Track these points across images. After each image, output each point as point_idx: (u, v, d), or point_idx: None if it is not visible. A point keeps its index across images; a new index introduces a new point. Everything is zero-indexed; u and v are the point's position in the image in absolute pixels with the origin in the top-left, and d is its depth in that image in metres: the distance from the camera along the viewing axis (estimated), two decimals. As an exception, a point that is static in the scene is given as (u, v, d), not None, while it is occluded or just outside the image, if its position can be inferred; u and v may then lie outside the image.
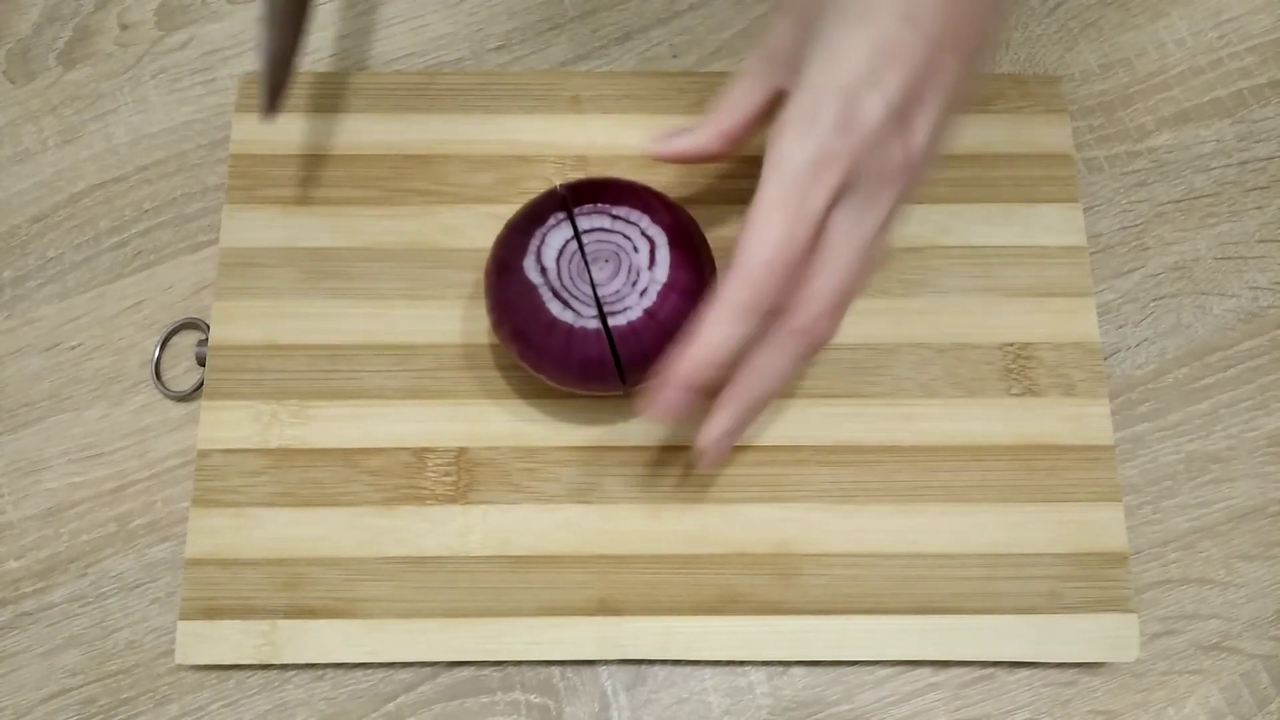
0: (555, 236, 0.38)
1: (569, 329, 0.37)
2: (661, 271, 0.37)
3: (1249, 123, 0.48)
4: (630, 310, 0.37)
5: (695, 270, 0.38)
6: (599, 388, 0.39)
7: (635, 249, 0.38)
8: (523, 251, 0.38)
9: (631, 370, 0.38)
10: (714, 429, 0.36)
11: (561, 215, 0.38)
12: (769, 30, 0.36)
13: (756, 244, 0.32)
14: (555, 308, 0.37)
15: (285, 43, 0.41)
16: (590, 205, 0.38)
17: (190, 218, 0.46)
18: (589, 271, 0.37)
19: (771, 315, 0.34)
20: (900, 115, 0.33)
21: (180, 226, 0.46)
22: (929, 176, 0.36)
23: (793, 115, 0.33)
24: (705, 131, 0.38)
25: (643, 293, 0.37)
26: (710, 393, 0.35)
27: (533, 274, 0.37)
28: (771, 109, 0.36)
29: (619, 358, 0.37)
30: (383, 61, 0.48)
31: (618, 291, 0.37)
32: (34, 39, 0.49)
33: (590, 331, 0.37)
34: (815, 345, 0.35)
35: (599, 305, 0.37)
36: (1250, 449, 0.44)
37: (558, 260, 0.38)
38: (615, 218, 0.38)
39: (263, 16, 0.38)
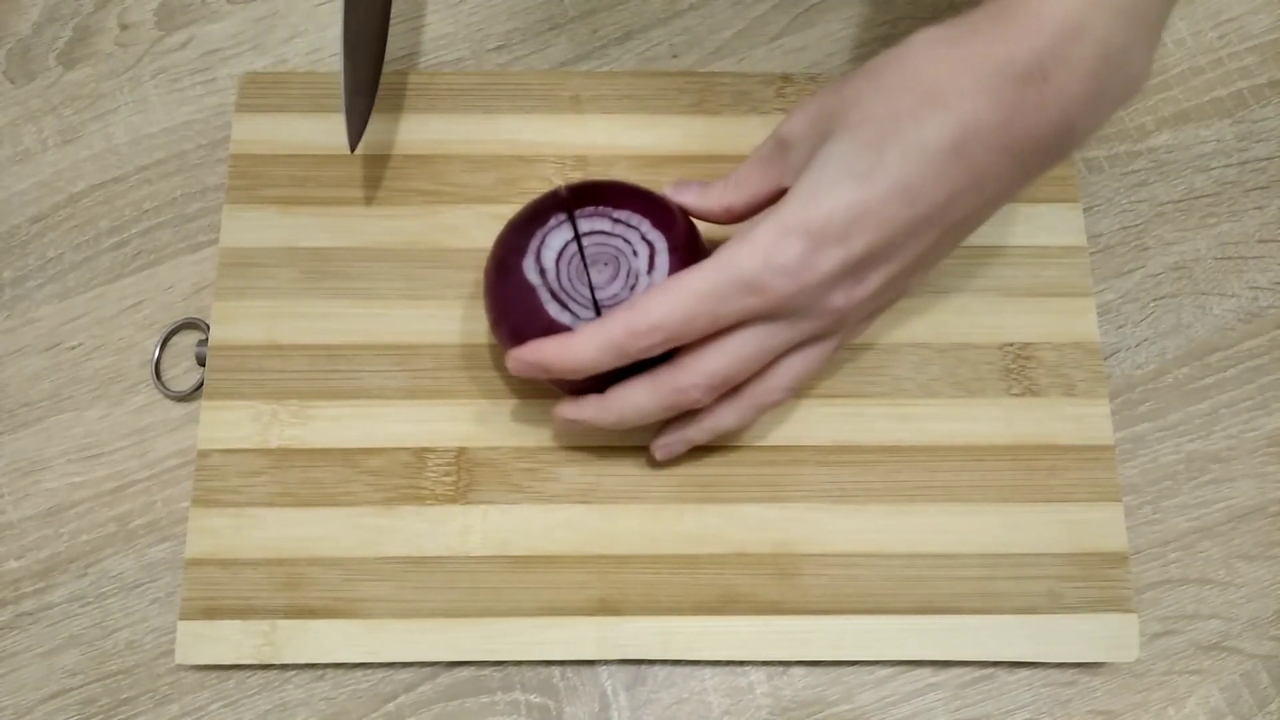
0: (555, 238, 0.38)
1: (566, 331, 0.37)
2: (660, 276, 0.37)
3: (1249, 123, 0.48)
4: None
5: None
6: (594, 391, 0.38)
7: (635, 253, 0.38)
8: (522, 251, 0.38)
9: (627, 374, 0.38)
10: (572, 412, 0.38)
11: (563, 216, 0.38)
12: (788, 122, 0.36)
13: (657, 306, 0.34)
14: (553, 309, 0.37)
15: (366, 72, 0.42)
16: (592, 207, 0.38)
17: (190, 218, 0.46)
18: (588, 274, 0.37)
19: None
20: (855, 270, 0.33)
21: (180, 226, 0.46)
22: (864, 326, 0.38)
23: (758, 234, 0.33)
24: (713, 200, 0.38)
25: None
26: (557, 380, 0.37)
27: (531, 274, 0.37)
28: (775, 198, 0.37)
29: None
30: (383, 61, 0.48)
31: (616, 295, 0.37)
32: (34, 39, 0.49)
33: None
34: (684, 402, 0.36)
35: (597, 308, 0.37)
36: (1250, 449, 0.44)
37: (557, 261, 0.37)
38: (616, 221, 0.38)
39: (342, 48, 0.39)
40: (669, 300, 0.34)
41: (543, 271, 0.37)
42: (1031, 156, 0.32)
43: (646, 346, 0.34)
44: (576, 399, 0.38)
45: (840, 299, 0.34)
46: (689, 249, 0.38)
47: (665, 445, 0.40)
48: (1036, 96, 0.31)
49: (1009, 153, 0.32)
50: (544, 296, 0.37)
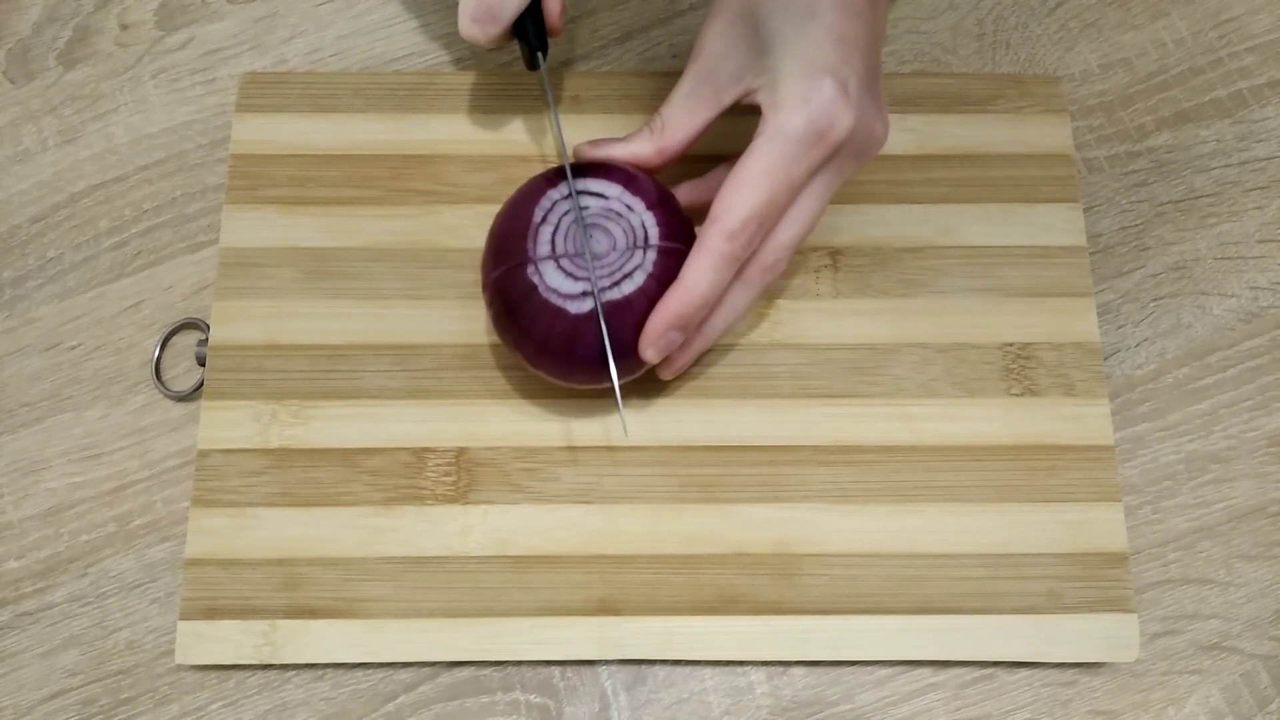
0: (546, 226, 0.38)
1: (551, 304, 0.37)
2: (654, 237, 0.38)
3: (1249, 123, 0.48)
4: (634, 277, 0.37)
5: (684, 238, 0.38)
6: (592, 370, 0.38)
7: (628, 222, 0.38)
8: (517, 243, 0.38)
9: (622, 346, 0.38)
10: (685, 356, 0.39)
11: (552, 200, 0.38)
12: (699, 54, 0.38)
13: (739, 202, 0.35)
14: (546, 283, 0.37)
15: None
16: (579, 182, 0.38)
17: (190, 218, 0.46)
18: (586, 251, 0.37)
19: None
20: (868, 88, 0.36)
21: (180, 226, 0.46)
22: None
23: (787, 94, 0.35)
24: (645, 145, 0.39)
25: (637, 267, 0.37)
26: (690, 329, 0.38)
27: (529, 267, 0.37)
28: (708, 127, 0.39)
29: (610, 339, 0.37)
30: (383, 61, 0.48)
31: (615, 267, 0.37)
32: (34, 39, 0.49)
33: (584, 314, 0.37)
34: (773, 279, 0.38)
35: (594, 288, 0.37)
36: (1250, 449, 0.44)
37: (551, 241, 0.37)
38: (597, 194, 0.38)
39: None
40: (747, 191, 0.35)
41: (540, 259, 0.37)
42: None
43: (747, 241, 0.36)
44: (667, 350, 0.38)
45: (880, 126, 0.37)
46: (671, 205, 0.39)
47: (678, 366, 0.40)
48: None
49: None
50: (543, 287, 0.37)
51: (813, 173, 0.36)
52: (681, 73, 0.39)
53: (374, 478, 0.42)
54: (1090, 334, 0.44)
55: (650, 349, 0.37)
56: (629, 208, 0.38)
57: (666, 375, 0.40)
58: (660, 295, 0.37)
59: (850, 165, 0.37)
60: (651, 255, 0.37)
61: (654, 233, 0.38)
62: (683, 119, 0.39)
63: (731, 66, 0.37)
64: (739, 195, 0.35)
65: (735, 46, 0.37)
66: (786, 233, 0.37)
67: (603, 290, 0.37)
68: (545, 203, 0.38)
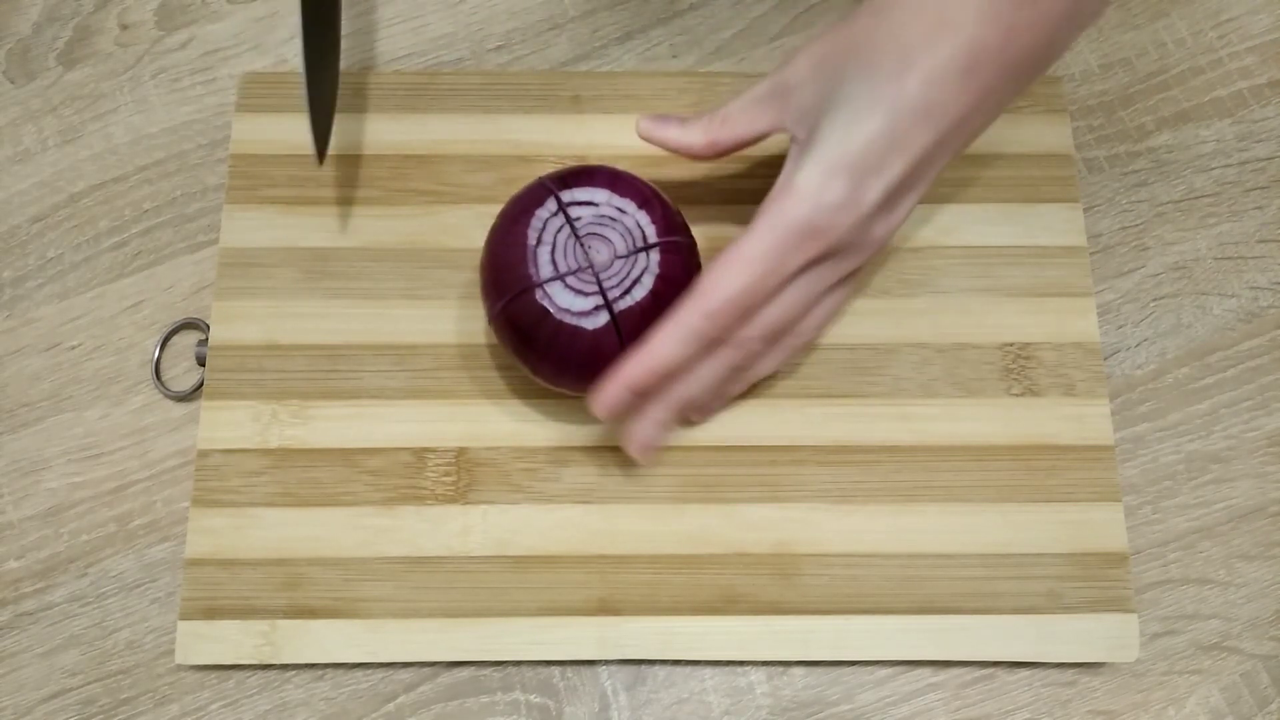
0: (543, 247, 0.37)
1: (566, 325, 0.37)
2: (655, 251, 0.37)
3: (1249, 123, 0.48)
4: (643, 281, 0.37)
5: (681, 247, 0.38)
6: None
7: (623, 225, 0.37)
8: (518, 270, 0.37)
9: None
10: (641, 425, 0.38)
11: (542, 219, 0.38)
12: (789, 66, 0.37)
13: (725, 282, 0.35)
14: (556, 305, 0.37)
15: (325, 89, 0.42)
16: (576, 191, 0.38)
17: (190, 218, 0.46)
18: (587, 258, 0.37)
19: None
20: (891, 198, 0.35)
21: (180, 226, 0.46)
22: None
23: (801, 181, 0.34)
24: (699, 134, 0.39)
25: (644, 271, 0.37)
26: (646, 395, 0.37)
27: (536, 291, 0.37)
28: (761, 138, 0.38)
29: (622, 341, 0.37)
30: (383, 61, 0.48)
31: (622, 274, 0.37)
32: (34, 39, 0.49)
33: (601, 328, 0.37)
34: (744, 366, 0.38)
35: (602, 292, 0.37)
36: (1250, 449, 0.44)
37: (553, 261, 0.37)
38: (586, 203, 0.38)
39: (303, 69, 0.40)
40: (734, 273, 0.35)
41: (538, 264, 0.37)
42: (1024, 73, 0.35)
43: (724, 324, 0.35)
44: (637, 423, 0.38)
45: (881, 229, 0.36)
46: (667, 210, 0.39)
47: (641, 439, 0.39)
48: (1029, 17, 0.33)
49: (1008, 70, 0.34)
50: (540, 293, 0.37)
51: (806, 266, 0.35)
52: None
53: (374, 478, 0.42)
54: (1090, 334, 0.44)
55: (600, 406, 0.36)
56: (620, 210, 0.38)
57: (635, 453, 0.39)
58: (669, 293, 0.37)
59: (849, 262, 0.37)
60: (655, 255, 0.37)
61: (651, 231, 0.37)
62: (745, 120, 0.38)
63: (801, 99, 0.36)
64: (727, 275, 0.35)
65: (811, 83, 0.35)
66: (768, 315, 0.36)
67: (614, 300, 0.37)
68: (536, 223, 0.38)
